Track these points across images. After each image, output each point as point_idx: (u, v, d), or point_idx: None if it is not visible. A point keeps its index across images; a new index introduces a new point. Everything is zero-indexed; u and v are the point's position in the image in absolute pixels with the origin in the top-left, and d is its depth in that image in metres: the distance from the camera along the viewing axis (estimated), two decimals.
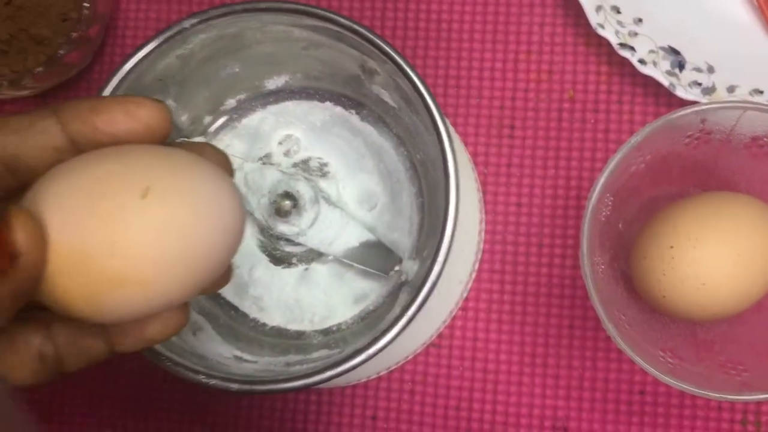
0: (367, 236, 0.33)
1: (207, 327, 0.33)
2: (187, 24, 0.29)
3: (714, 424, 0.36)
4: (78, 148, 0.20)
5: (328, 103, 0.35)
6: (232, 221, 0.20)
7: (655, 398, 0.37)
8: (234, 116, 0.35)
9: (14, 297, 0.18)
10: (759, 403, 0.36)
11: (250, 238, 0.34)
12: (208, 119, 0.35)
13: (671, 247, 0.30)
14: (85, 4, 0.37)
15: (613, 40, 0.37)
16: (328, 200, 0.33)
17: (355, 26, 0.29)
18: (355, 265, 0.33)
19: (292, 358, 0.32)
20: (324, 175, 0.34)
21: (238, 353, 0.32)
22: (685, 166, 0.33)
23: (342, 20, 0.29)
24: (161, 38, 0.29)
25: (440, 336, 0.38)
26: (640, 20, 0.37)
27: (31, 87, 0.39)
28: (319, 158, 0.34)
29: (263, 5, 0.29)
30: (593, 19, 0.37)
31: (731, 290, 0.29)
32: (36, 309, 0.20)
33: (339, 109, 0.35)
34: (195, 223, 0.19)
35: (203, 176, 0.20)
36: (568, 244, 0.38)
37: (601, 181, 0.30)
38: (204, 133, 0.35)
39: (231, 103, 0.35)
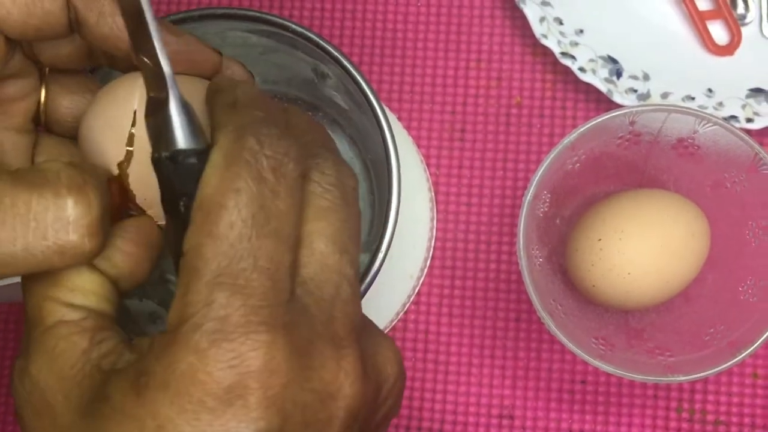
0: None
1: (166, 317, 0.34)
2: None
3: (650, 411, 0.38)
4: None
5: (286, 106, 0.37)
6: None
7: (596, 387, 0.39)
8: None
9: None
10: (692, 392, 0.38)
11: None
12: None
13: (600, 239, 0.32)
14: None
15: (556, 50, 0.39)
16: None
17: (307, 33, 0.31)
18: None
19: None
20: None
21: None
22: (618, 166, 0.35)
23: (295, 27, 0.31)
24: None
25: (393, 329, 0.40)
26: (581, 31, 0.40)
27: None
28: None
29: (220, 12, 0.31)
30: (537, 29, 0.39)
31: (655, 279, 0.32)
32: None
33: None
34: None
35: None
36: (515, 242, 0.40)
37: (537, 177, 0.32)
38: None
39: None
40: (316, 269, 0.19)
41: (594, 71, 0.39)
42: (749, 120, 0.38)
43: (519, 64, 0.41)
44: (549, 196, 0.34)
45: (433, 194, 0.40)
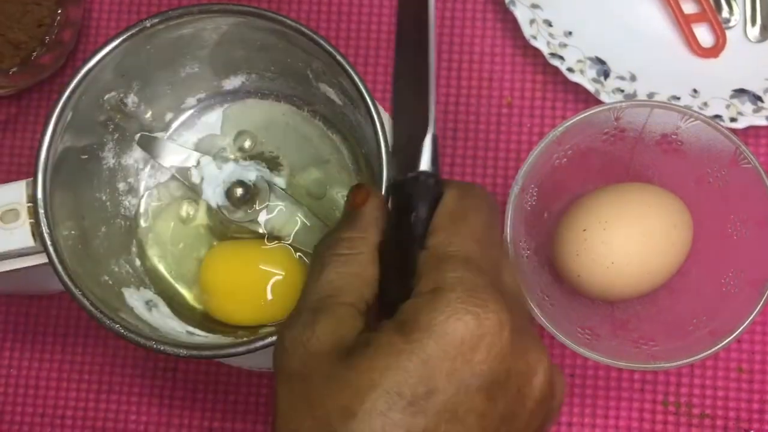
0: (312, 222, 0.36)
1: (162, 305, 0.35)
2: (147, 23, 0.32)
3: (638, 404, 0.39)
4: None
5: (281, 102, 0.38)
6: None
7: (584, 381, 0.39)
8: (194, 113, 0.38)
9: None
10: (679, 385, 0.39)
11: (203, 227, 0.37)
12: (169, 116, 0.38)
13: (584, 230, 0.33)
14: (59, 11, 0.40)
15: (545, 51, 0.40)
16: (279, 189, 0.36)
17: (301, 27, 0.32)
18: (302, 248, 0.36)
19: (241, 333, 0.34)
20: (276, 167, 0.37)
21: (191, 329, 0.34)
22: (604, 162, 0.36)
23: (290, 22, 0.32)
24: (123, 36, 0.32)
25: None
26: (570, 33, 0.41)
27: (7, 86, 0.41)
28: (271, 152, 0.37)
29: (216, 7, 0.32)
30: (527, 31, 0.40)
31: (638, 269, 0.32)
32: None
33: (292, 108, 0.38)
34: None
35: None
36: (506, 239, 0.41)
37: (524, 170, 0.33)
38: (166, 129, 0.38)
39: (191, 101, 0.38)
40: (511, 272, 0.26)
41: (582, 72, 0.40)
42: (733, 119, 0.39)
43: (509, 65, 0.42)
44: (536, 190, 0.35)
45: None
